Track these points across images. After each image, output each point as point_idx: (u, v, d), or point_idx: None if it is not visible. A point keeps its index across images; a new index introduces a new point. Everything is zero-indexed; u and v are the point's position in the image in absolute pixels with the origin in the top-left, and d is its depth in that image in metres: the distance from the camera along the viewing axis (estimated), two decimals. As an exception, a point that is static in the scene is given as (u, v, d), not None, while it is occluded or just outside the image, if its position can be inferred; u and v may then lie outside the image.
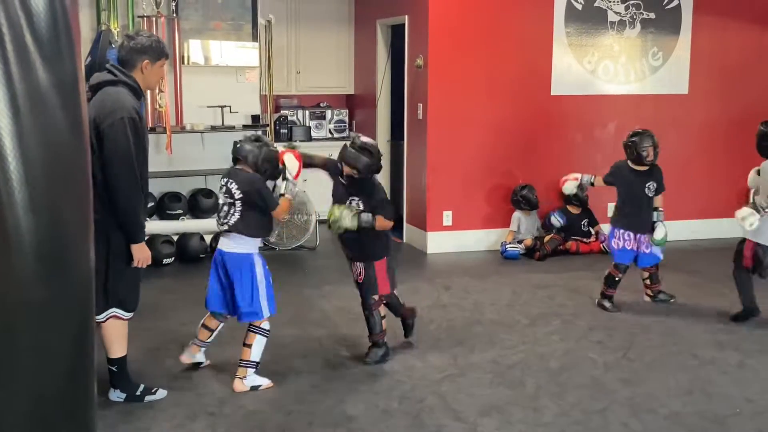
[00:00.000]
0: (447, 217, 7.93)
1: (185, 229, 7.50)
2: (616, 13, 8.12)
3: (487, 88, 7.85)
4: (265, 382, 4.54)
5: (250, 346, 4.50)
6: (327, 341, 5.33)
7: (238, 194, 4.37)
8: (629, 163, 5.97)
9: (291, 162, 4.62)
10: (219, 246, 4.53)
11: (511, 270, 7.29)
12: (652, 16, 8.22)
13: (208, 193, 7.65)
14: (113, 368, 4.30)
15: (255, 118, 7.86)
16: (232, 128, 7.68)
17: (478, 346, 5.25)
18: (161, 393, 4.40)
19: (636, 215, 5.97)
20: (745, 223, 5.53)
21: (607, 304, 6.03)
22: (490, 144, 7.95)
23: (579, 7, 7.98)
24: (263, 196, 4.41)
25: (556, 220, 7.84)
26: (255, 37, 7.82)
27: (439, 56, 7.70)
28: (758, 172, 5.65)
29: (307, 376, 4.72)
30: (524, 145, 8.08)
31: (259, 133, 4.56)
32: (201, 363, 4.83)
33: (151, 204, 7.40)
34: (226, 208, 4.42)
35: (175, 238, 7.43)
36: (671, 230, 8.45)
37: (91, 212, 2.39)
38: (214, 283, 4.55)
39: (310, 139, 9.13)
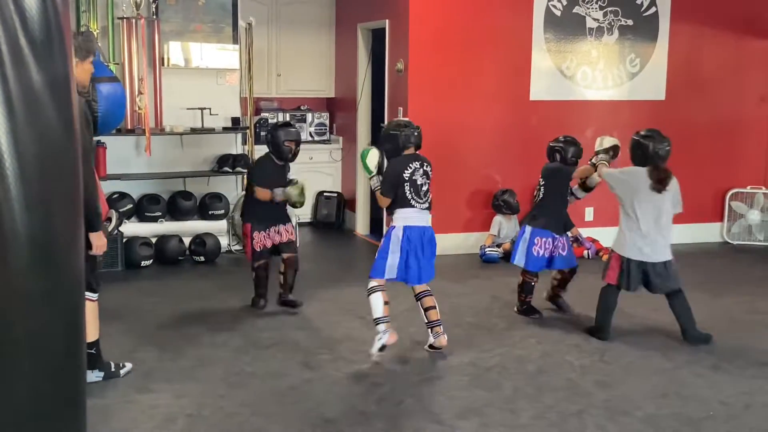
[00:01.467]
0: (426, 221, 7.95)
1: (164, 231, 7.49)
2: (594, 19, 8.19)
3: (466, 93, 7.89)
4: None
5: (435, 306, 5.18)
6: (305, 343, 5.34)
7: (431, 175, 5.12)
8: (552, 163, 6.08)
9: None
10: (413, 223, 5.02)
11: (489, 273, 7.33)
12: (630, 23, 8.30)
13: (187, 195, 7.63)
14: (91, 351, 4.42)
15: (235, 121, 7.86)
16: (212, 130, 7.68)
17: (457, 349, 5.28)
18: (128, 365, 4.76)
19: (560, 215, 6.06)
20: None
21: (530, 312, 6.00)
22: (469, 148, 7.99)
23: (558, 13, 8.04)
24: None
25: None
26: (235, 40, 7.82)
27: (419, 60, 7.73)
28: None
29: (286, 378, 4.73)
30: (503, 150, 8.13)
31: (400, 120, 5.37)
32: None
33: (129, 206, 7.38)
34: (425, 188, 5.07)
35: (154, 240, 7.40)
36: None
37: (82, 208, 2.43)
38: (401, 257, 5.03)
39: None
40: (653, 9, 8.34)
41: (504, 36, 7.95)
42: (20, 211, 2.20)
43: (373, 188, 5.20)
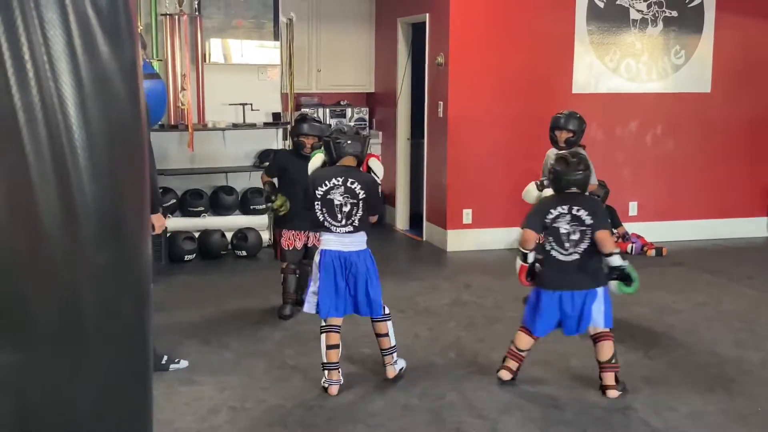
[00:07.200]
0: (467, 215, 7.93)
1: (207, 226, 7.55)
2: (638, 11, 8.08)
3: (508, 87, 7.84)
4: (404, 363, 4.67)
5: (386, 334, 4.56)
6: (348, 337, 5.34)
7: (362, 194, 4.33)
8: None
9: (377, 166, 4.60)
10: (333, 248, 4.36)
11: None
12: (675, 14, 8.18)
13: (230, 190, 7.69)
14: None
15: (276, 116, 7.89)
16: (253, 126, 7.72)
17: (499, 344, 5.24)
18: (184, 363, 4.77)
19: None
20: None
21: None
22: (510, 142, 7.93)
23: (601, 5, 7.95)
24: (378, 200, 4.51)
25: None
26: (276, 36, 7.86)
27: (459, 54, 7.70)
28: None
29: (328, 372, 4.74)
30: (545, 144, 8.02)
31: (348, 124, 4.90)
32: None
33: (173, 201, 7.45)
34: (347, 208, 4.32)
35: (197, 234, 7.47)
36: (692, 229, 8.46)
37: (148, 183, 2.47)
38: (331, 288, 4.36)
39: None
40: (698, 0, 8.21)
41: (546, 29, 7.88)
42: (89, 182, 2.23)
43: None
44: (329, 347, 4.43)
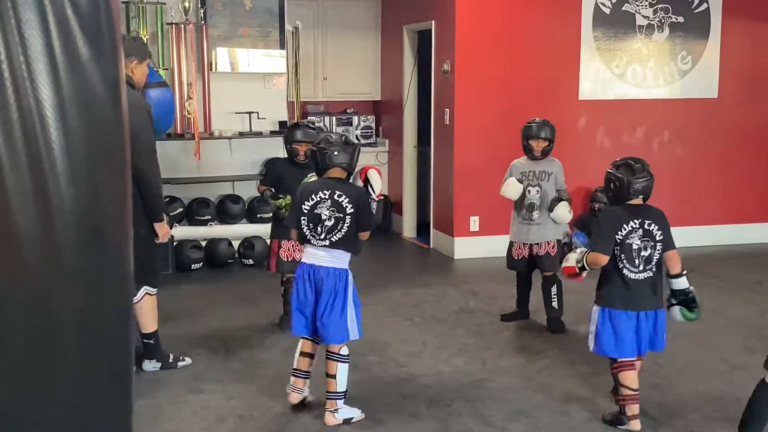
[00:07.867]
0: (474, 223, 7.91)
1: (213, 235, 7.55)
2: (644, 17, 8.07)
3: (514, 93, 7.83)
4: (356, 414, 4.19)
5: (333, 376, 4.14)
6: (353, 345, 5.31)
7: (349, 209, 4.08)
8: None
9: (375, 179, 4.37)
10: (307, 261, 4.15)
11: (538, 276, 7.23)
12: (681, 19, 8.17)
13: (236, 199, 7.69)
14: (150, 342, 4.79)
15: (282, 125, 7.89)
16: (259, 134, 7.73)
17: (507, 352, 5.24)
18: (188, 359, 4.93)
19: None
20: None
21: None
22: (517, 149, 7.83)
23: (607, 11, 7.94)
24: (368, 214, 4.18)
25: (578, 240, 7.71)
26: (282, 44, 7.86)
27: (465, 61, 7.70)
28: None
29: (335, 380, 4.72)
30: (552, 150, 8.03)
31: (337, 132, 4.72)
32: (305, 398, 4.32)
33: (179, 210, 7.46)
34: (331, 222, 4.07)
35: (204, 243, 7.47)
36: (701, 235, 8.41)
37: (129, 186, 2.41)
38: (301, 303, 4.16)
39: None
40: (704, 5, 8.19)
41: (552, 35, 7.87)
42: (66, 186, 2.18)
43: None
44: (302, 354, 4.25)
